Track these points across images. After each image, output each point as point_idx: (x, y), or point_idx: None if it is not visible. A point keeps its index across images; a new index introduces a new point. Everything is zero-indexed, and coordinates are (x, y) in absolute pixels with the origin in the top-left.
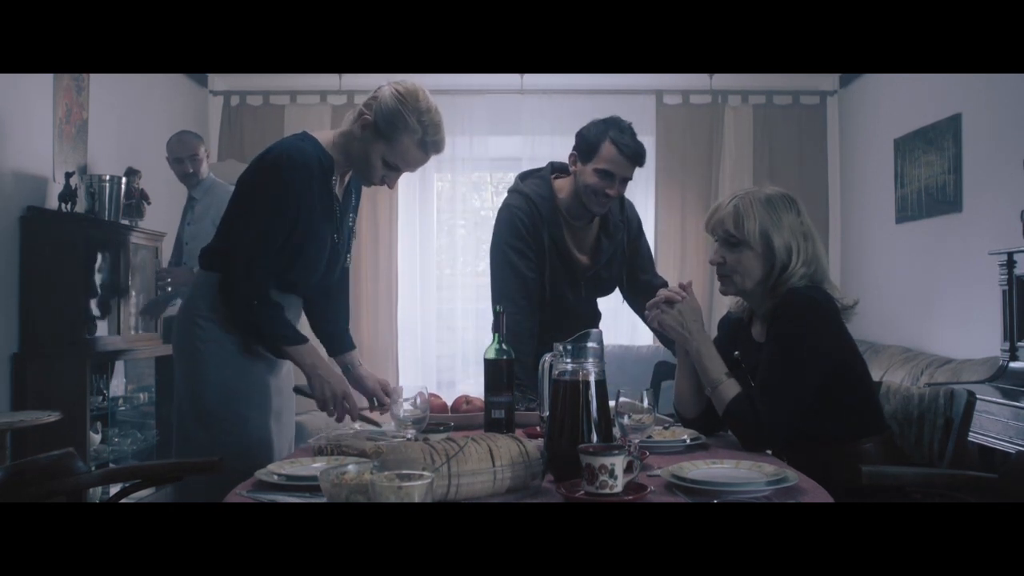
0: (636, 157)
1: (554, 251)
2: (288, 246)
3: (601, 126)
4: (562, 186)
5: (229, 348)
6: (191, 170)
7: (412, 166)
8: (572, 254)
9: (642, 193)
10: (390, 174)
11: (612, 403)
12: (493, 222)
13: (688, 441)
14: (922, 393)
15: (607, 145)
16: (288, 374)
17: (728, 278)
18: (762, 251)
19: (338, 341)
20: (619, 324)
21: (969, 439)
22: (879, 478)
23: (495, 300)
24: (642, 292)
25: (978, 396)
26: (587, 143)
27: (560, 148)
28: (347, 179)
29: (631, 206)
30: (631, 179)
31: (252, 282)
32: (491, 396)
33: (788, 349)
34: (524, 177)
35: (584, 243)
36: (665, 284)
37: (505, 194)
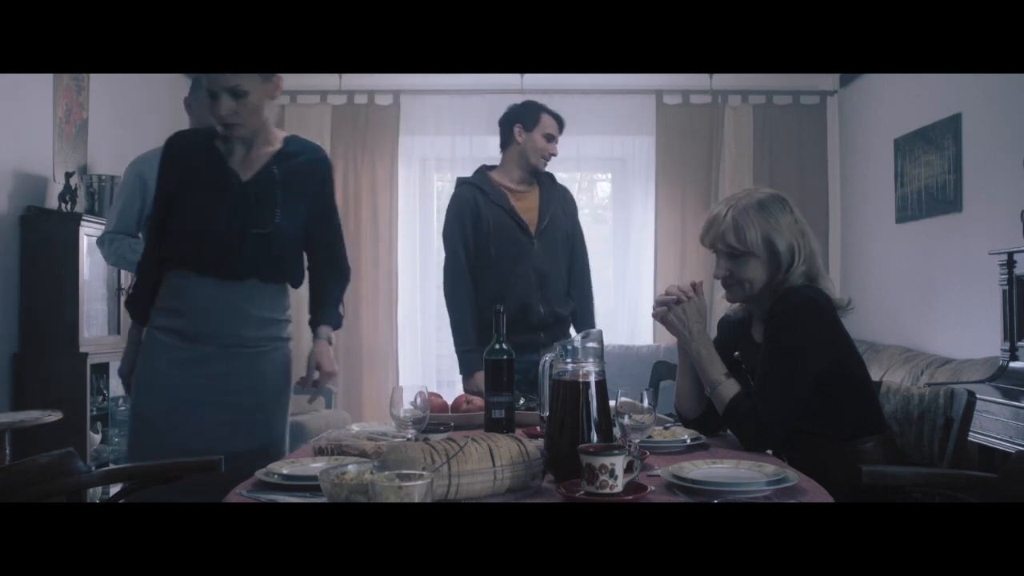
0: (563, 124)
1: (503, 214)
2: (155, 221)
3: (531, 105)
4: (498, 171)
5: (146, 340)
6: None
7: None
8: (519, 214)
9: (642, 193)
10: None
11: (612, 403)
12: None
13: (688, 441)
14: (922, 393)
15: (545, 116)
16: (249, 365)
17: (736, 287)
18: (767, 257)
19: (316, 318)
20: (619, 324)
21: (969, 439)
22: (879, 478)
23: (444, 275)
24: (575, 286)
25: (978, 396)
26: (528, 116)
27: (560, 147)
28: (262, 153)
29: (564, 188)
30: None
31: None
32: (491, 396)
33: (785, 349)
34: (462, 178)
35: (529, 204)
36: (587, 301)
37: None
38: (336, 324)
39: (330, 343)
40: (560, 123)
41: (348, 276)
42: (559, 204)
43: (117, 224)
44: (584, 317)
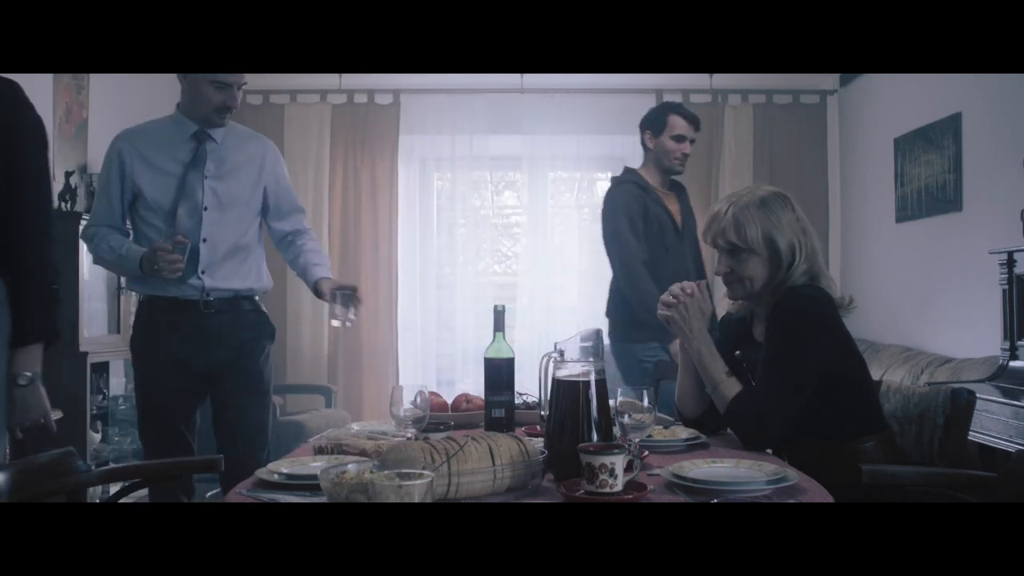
0: (696, 121)
1: (662, 212)
2: None
3: (658, 109)
4: (644, 173)
5: None
6: (234, 105)
7: None
8: (672, 214)
9: None
10: None
11: (612, 402)
12: (491, 223)
13: (688, 440)
14: (922, 392)
15: (672, 117)
16: None
17: (737, 284)
18: (768, 255)
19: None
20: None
21: (969, 438)
22: (879, 477)
23: (618, 264)
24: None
25: (978, 395)
26: (655, 121)
27: (560, 147)
28: None
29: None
30: (695, 140)
31: None
32: (491, 395)
33: (787, 348)
34: (620, 177)
35: (674, 207)
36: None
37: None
38: (40, 338)
39: (34, 379)
40: (691, 121)
41: (39, 270)
42: (689, 209)
43: (96, 213)
44: None
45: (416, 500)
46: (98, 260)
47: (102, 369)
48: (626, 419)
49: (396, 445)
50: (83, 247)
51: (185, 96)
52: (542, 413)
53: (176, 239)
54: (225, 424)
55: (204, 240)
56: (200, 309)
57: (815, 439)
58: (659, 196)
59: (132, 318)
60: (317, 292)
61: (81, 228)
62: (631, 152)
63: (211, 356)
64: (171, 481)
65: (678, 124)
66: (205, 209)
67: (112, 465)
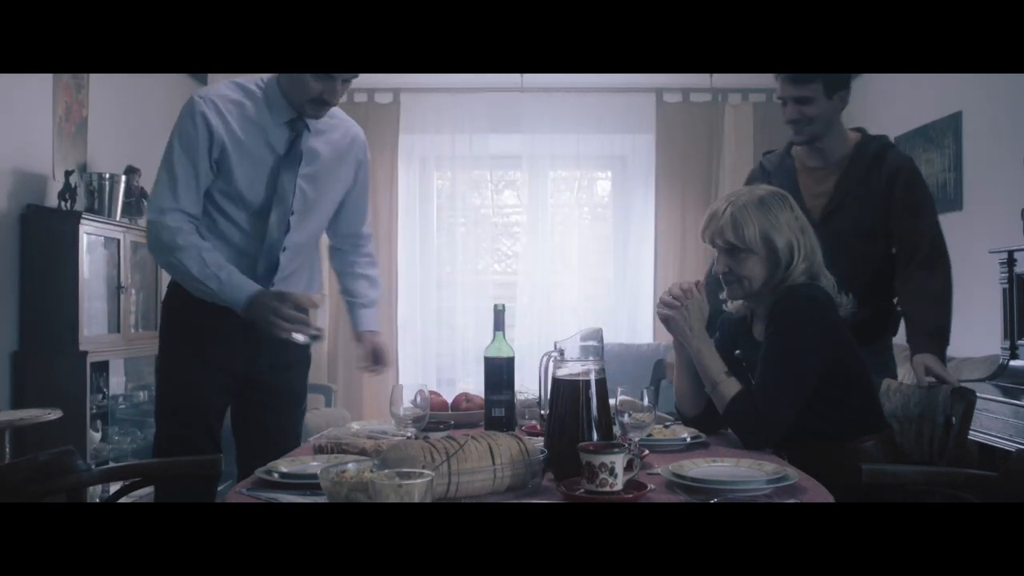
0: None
1: (798, 197)
2: None
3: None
4: (798, 147)
5: None
6: (332, 101)
7: None
8: (803, 197)
9: (642, 191)
10: None
11: (612, 401)
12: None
13: (688, 439)
14: (922, 392)
15: (778, 76)
16: None
17: (735, 284)
18: (766, 254)
19: None
20: (619, 322)
21: (969, 437)
22: (879, 476)
23: None
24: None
25: (978, 394)
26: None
27: (560, 145)
28: None
29: (900, 159)
30: (811, 97)
31: None
32: (491, 394)
33: (786, 347)
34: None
35: (823, 187)
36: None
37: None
38: None
39: None
40: (787, 77)
41: None
42: (864, 187)
43: (177, 193)
44: (919, 319)
45: (416, 499)
46: (176, 270)
47: (102, 368)
48: (626, 418)
49: (396, 444)
50: (83, 246)
51: (285, 77)
52: (542, 412)
53: (311, 298)
54: (248, 435)
55: (284, 249)
56: None
57: (815, 439)
58: (791, 175)
59: (132, 315)
60: (358, 338)
61: (80, 227)
62: (631, 151)
63: (249, 363)
64: (171, 481)
65: (778, 84)
66: (292, 213)
67: (112, 464)
